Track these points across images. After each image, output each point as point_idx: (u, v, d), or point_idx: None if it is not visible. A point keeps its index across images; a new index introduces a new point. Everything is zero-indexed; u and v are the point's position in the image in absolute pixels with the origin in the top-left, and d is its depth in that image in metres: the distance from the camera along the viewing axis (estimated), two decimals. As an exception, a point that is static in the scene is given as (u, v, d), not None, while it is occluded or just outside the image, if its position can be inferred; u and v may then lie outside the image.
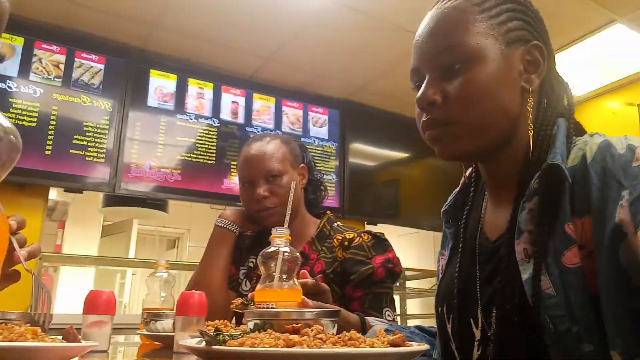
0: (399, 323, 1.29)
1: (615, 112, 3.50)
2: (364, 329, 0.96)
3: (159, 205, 3.26)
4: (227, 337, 0.56)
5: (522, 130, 0.77)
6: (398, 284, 3.64)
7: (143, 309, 1.27)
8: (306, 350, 0.48)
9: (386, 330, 0.65)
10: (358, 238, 1.32)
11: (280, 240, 0.87)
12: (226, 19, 2.80)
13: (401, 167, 4.01)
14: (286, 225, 0.91)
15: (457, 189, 0.96)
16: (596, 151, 0.68)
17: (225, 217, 1.41)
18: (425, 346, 0.55)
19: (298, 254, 0.87)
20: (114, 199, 3.04)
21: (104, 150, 2.85)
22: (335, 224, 1.42)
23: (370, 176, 3.81)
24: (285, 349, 0.48)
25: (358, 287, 1.25)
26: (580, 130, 0.80)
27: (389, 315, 1.26)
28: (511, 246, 0.72)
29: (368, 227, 1.39)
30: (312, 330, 0.56)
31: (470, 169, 0.95)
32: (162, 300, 1.32)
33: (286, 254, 0.85)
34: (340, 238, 1.33)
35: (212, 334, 0.54)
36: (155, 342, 1.12)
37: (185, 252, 5.72)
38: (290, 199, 0.97)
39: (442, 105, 0.73)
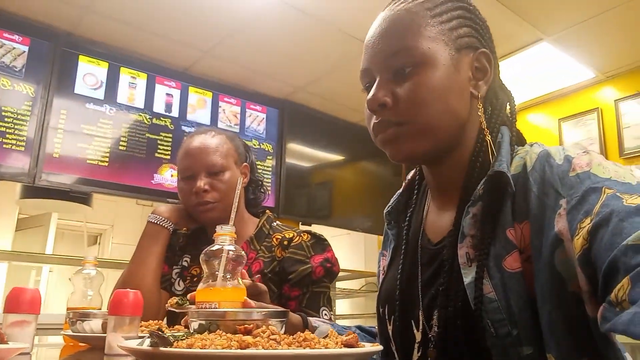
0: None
1: (538, 126, 3.73)
2: (306, 329, 0.95)
3: (82, 198, 3.08)
4: (174, 338, 0.53)
5: (468, 136, 0.79)
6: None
7: (68, 308, 1.19)
8: (263, 351, 0.46)
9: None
10: (298, 237, 1.31)
11: (224, 238, 0.84)
12: (164, 8, 2.70)
13: (335, 170, 4.05)
14: (231, 223, 0.89)
15: (400, 190, 0.97)
16: (536, 160, 0.71)
17: (158, 213, 1.35)
18: (379, 347, 0.55)
19: (243, 252, 0.85)
20: (33, 191, 2.84)
21: (24, 138, 2.65)
22: (275, 224, 1.41)
23: (306, 177, 3.82)
24: (241, 351, 0.46)
25: (296, 286, 1.25)
26: (521, 140, 0.83)
27: (325, 314, 1.26)
28: (453, 249, 0.73)
29: (304, 228, 1.39)
30: (264, 331, 0.54)
31: (413, 171, 0.97)
32: (89, 299, 1.24)
33: (231, 252, 0.82)
34: (280, 237, 1.32)
35: (165, 335, 0.50)
36: (81, 344, 1.05)
37: (108, 249, 5.45)
38: (237, 197, 0.94)
39: (393, 107, 0.74)
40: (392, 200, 0.97)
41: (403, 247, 0.87)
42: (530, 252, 0.66)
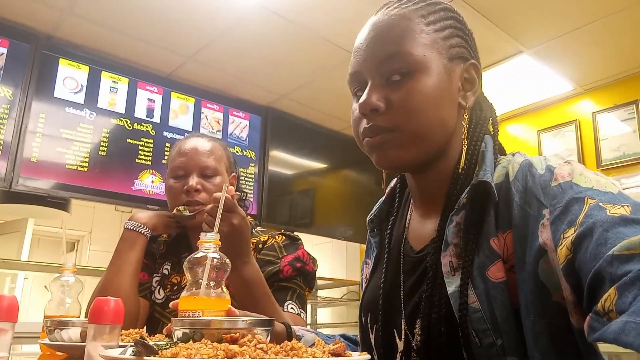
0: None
1: (518, 137, 3.79)
2: (289, 338, 0.94)
3: (60, 204, 3.01)
4: (157, 347, 0.51)
5: (454, 145, 0.79)
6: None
7: (45, 316, 1.16)
8: (250, 361, 0.45)
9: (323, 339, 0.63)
10: (271, 239, 1.33)
11: (209, 246, 0.83)
12: (146, 12, 2.68)
13: (318, 178, 4.05)
14: (216, 230, 0.87)
15: (382, 198, 0.97)
16: (518, 170, 0.72)
17: (135, 219, 1.32)
18: (366, 356, 0.54)
19: (227, 260, 0.84)
20: (9, 196, 2.77)
21: (1, 142, 2.60)
22: (255, 230, 1.40)
23: (288, 185, 3.81)
24: (228, 360, 0.46)
25: None
26: (502, 150, 0.84)
27: (292, 308, 1.24)
28: (436, 257, 0.73)
29: (282, 231, 1.40)
30: (250, 340, 0.53)
31: (395, 179, 0.97)
32: (67, 307, 1.21)
33: (215, 260, 0.81)
34: (255, 241, 1.33)
35: (149, 343, 0.49)
36: (58, 353, 1.03)
37: (86, 256, 5.35)
38: (222, 202, 0.93)
39: (385, 113, 0.73)
40: (374, 208, 0.97)
41: (385, 255, 0.87)
42: (514, 261, 0.67)
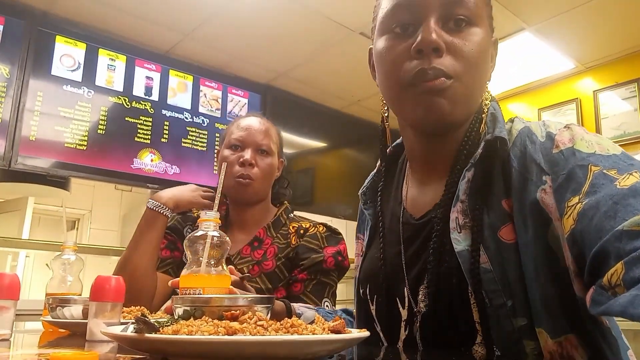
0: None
1: (518, 115, 3.77)
2: (289, 315, 0.95)
3: (60, 183, 3.01)
4: (158, 324, 0.52)
5: (473, 113, 0.78)
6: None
7: (47, 294, 1.17)
8: (251, 338, 0.46)
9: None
10: (313, 228, 1.37)
11: (208, 224, 0.83)
12: (145, -11, 2.64)
13: (317, 156, 4.04)
14: (215, 209, 0.87)
15: (375, 170, 0.95)
16: (516, 137, 0.71)
17: (156, 198, 1.33)
18: (366, 332, 0.55)
19: (227, 238, 0.84)
20: (9, 174, 2.77)
21: (-1, 120, 2.59)
22: (292, 214, 1.46)
23: (288, 164, 3.79)
24: (229, 337, 0.46)
25: (305, 270, 1.29)
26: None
27: (327, 306, 1.29)
28: (441, 221, 0.72)
29: (320, 220, 1.43)
30: (250, 318, 0.54)
31: (388, 149, 0.93)
32: (68, 284, 1.22)
33: (215, 238, 0.82)
34: (297, 226, 1.38)
35: (150, 320, 0.50)
36: (61, 330, 1.04)
37: (87, 234, 5.37)
38: (221, 180, 0.93)
39: (445, 57, 0.68)
40: (367, 180, 0.95)
41: (381, 225, 0.85)
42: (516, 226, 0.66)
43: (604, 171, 0.58)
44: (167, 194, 1.35)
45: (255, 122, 1.40)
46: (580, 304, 0.62)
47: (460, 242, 0.68)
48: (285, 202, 1.49)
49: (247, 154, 1.34)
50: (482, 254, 0.66)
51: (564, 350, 0.63)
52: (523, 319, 0.64)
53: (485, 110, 0.76)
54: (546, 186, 0.64)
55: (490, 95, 0.79)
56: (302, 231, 1.36)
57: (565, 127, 0.68)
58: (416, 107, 0.70)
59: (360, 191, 0.94)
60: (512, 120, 0.78)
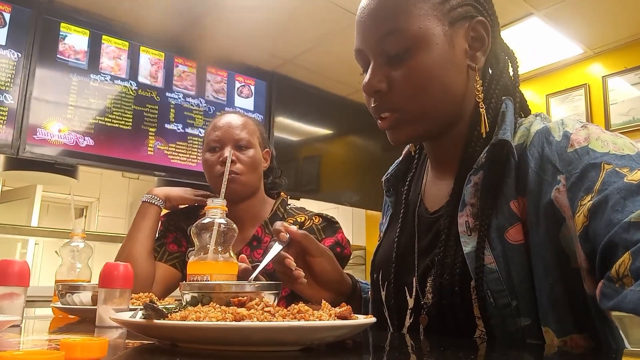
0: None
1: (541, 113, 3.74)
2: (354, 291, 0.96)
3: (68, 171, 3.02)
4: (167, 310, 0.52)
5: (468, 108, 0.78)
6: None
7: (56, 281, 1.19)
8: (259, 324, 0.46)
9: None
10: (309, 221, 1.37)
11: (216, 212, 0.84)
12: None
13: (324, 144, 4.03)
14: (222, 196, 0.88)
15: (400, 159, 0.97)
16: (534, 136, 0.71)
17: (151, 192, 1.42)
18: (372, 319, 0.55)
19: (235, 225, 0.85)
20: (17, 163, 2.78)
21: (6, 109, 2.59)
22: (289, 207, 1.46)
23: (294, 151, 3.80)
24: (236, 323, 0.46)
25: None
26: (524, 109, 0.82)
27: None
28: (452, 218, 0.74)
29: (315, 211, 1.44)
30: (258, 304, 0.54)
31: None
32: (77, 271, 1.23)
33: (222, 225, 0.82)
34: (292, 222, 1.38)
35: (159, 306, 0.50)
36: (71, 316, 1.05)
37: (95, 222, 5.41)
38: (227, 166, 0.94)
39: (388, 93, 0.73)
40: (391, 168, 0.97)
41: (401, 214, 0.88)
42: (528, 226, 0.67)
43: (617, 169, 0.58)
44: (160, 189, 1.44)
45: (230, 119, 1.41)
46: (590, 302, 0.63)
47: (469, 243, 0.69)
48: (282, 193, 1.49)
49: (226, 151, 1.34)
50: (488, 255, 0.67)
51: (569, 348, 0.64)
52: (527, 319, 0.65)
53: (482, 108, 0.75)
54: (560, 185, 0.64)
55: (496, 92, 0.78)
56: (297, 226, 1.35)
57: (582, 126, 0.68)
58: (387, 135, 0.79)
59: (383, 179, 0.96)
60: (535, 116, 0.77)
